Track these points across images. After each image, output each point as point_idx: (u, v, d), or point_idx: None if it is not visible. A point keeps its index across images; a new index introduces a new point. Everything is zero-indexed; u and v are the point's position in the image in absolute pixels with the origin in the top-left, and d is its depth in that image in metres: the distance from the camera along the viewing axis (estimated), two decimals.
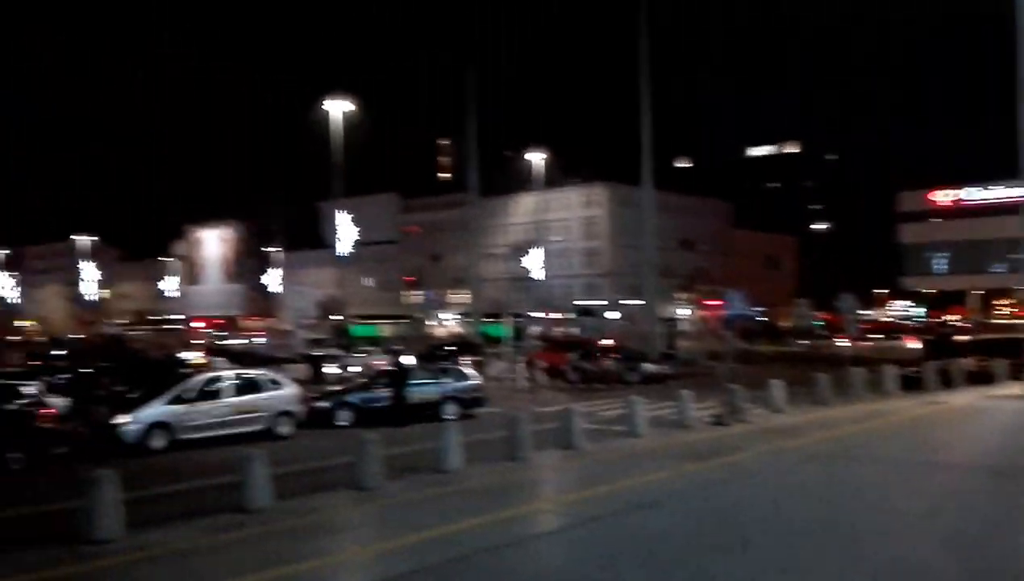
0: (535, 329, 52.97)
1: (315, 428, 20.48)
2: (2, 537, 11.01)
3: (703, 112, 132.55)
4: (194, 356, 41.40)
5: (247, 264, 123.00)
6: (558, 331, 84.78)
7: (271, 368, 27.50)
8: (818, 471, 13.67)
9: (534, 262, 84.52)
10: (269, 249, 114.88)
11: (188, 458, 16.95)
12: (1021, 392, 24.36)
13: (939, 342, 37.81)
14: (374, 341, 70.78)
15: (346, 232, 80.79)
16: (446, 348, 45.26)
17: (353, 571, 8.92)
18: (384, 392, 21.74)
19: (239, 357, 43.10)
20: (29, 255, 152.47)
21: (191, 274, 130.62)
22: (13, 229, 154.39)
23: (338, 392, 23.95)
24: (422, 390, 22.38)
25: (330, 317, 50.26)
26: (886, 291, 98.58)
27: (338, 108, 50.48)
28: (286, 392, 20.08)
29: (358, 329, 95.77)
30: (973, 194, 78.62)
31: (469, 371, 24.73)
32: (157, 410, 18.01)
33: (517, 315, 43.85)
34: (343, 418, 21.29)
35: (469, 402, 22.95)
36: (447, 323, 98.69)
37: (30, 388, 17.45)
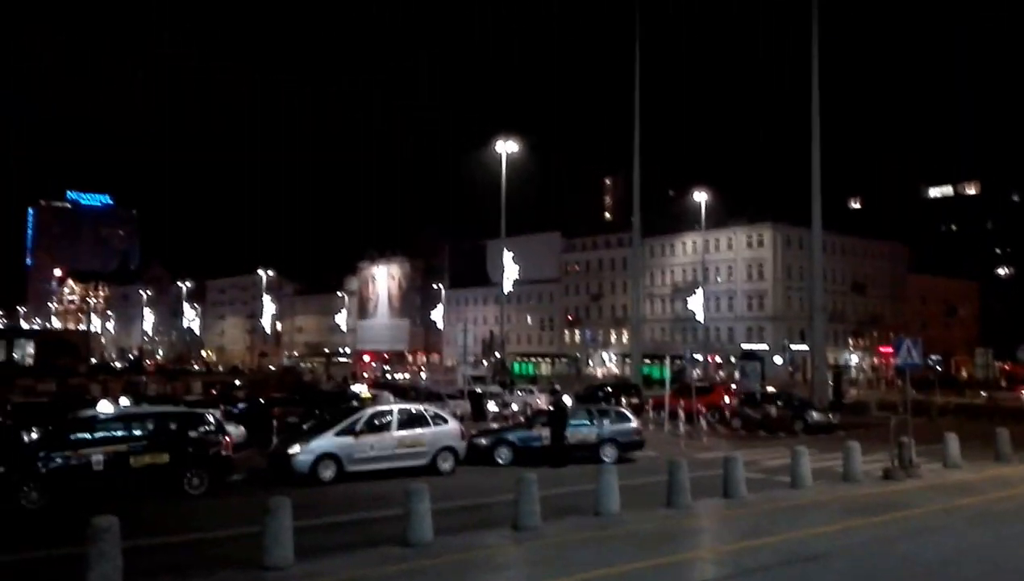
0: (696, 372, 51.82)
1: (475, 465, 20.71)
2: (183, 560, 11.73)
3: (877, 151, 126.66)
4: (362, 389, 43.05)
5: (413, 300, 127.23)
6: (718, 375, 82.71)
7: (434, 403, 28.19)
8: (991, 532, 12.83)
9: (697, 303, 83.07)
10: (435, 285, 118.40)
11: (354, 490, 17.47)
12: None
13: None
14: (534, 379, 71.50)
15: (509, 270, 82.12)
16: (605, 389, 44.99)
17: None
18: (543, 432, 21.77)
19: (404, 391, 44.53)
20: (211, 288, 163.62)
21: (362, 308, 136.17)
22: (198, 263, 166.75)
23: (497, 430, 24.21)
24: (580, 431, 22.29)
25: (492, 354, 51.08)
26: None
27: (505, 148, 51.70)
28: (449, 428, 20.42)
29: (519, 367, 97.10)
30: None
31: (628, 413, 24.41)
32: (326, 441, 18.66)
33: (678, 357, 43.00)
34: (502, 456, 21.46)
35: (627, 445, 22.65)
36: (607, 363, 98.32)
37: (210, 416, 18.54)
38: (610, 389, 45.02)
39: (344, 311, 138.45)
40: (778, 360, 78.78)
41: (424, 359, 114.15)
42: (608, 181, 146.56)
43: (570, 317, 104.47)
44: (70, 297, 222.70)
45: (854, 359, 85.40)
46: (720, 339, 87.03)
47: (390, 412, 20.22)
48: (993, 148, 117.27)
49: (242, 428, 26.31)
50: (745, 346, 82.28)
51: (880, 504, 14.74)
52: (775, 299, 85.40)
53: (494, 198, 53.28)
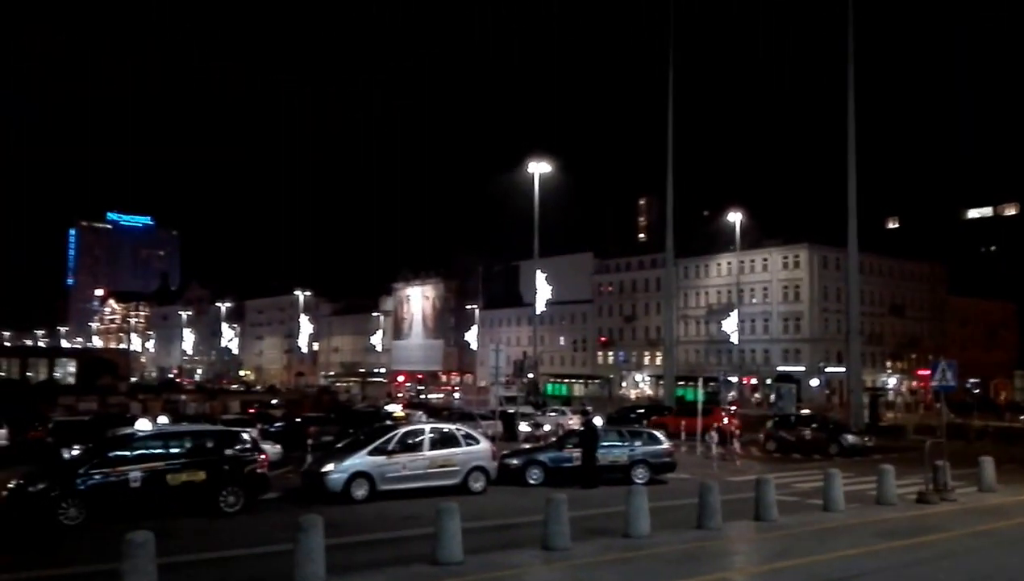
0: (731, 394, 51.45)
1: (506, 485, 20.79)
2: (216, 577, 11.97)
3: (914, 171, 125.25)
4: (395, 409, 43.35)
5: (447, 320, 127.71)
6: (753, 398, 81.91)
7: (467, 423, 28.34)
8: (1020, 556, 12.78)
9: (731, 325, 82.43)
10: (469, 306, 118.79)
11: (386, 508, 17.63)
12: None
13: None
14: (567, 401, 71.35)
15: (542, 290, 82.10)
16: (638, 411, 44.85)
17: None
18: (574, 452, 21.80)
19: (436, 411, 44.78)
20: (250, 308, 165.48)
21: (396, 329, 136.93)
22: (237, 283, 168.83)
23: (529, 450, 24.29)
24: (612, 452, 22.29)
25: (524, 375, 51.17)
26: None
27: (538, 169, 51.99)
28: (480, 448, 20.52)
29: (551, 388, 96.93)
30: None
31: (660, 435, 24.36)
32: (359, 460, 18.85)
33: (712, 379, 42.78)
34: (533, 476, 21.51)
35: (659, 467, 22.60)
36: (640, 385, 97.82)
37: (245, 435, 18.80)
38: (643, 411, 44.89)
39: (379, 331, 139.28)
40: (814, 383, 77.89)
41: (458, 379, 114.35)
42: (642, 202, 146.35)
43: (603, 338, 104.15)
44: (111, 317, 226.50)
45: (892, 382, 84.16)
46: (755, 361, 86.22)
47: (422, 432, 20.40)
48: None
49: (278, 446, 26.70)
50: (780, 368, 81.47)
51: (911, 528, 14.65)
52: (811, 321, 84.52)
53: (527, 219, 53.52)
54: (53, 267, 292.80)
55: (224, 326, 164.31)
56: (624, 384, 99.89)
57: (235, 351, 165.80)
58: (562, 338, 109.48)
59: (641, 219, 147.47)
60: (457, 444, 20.15)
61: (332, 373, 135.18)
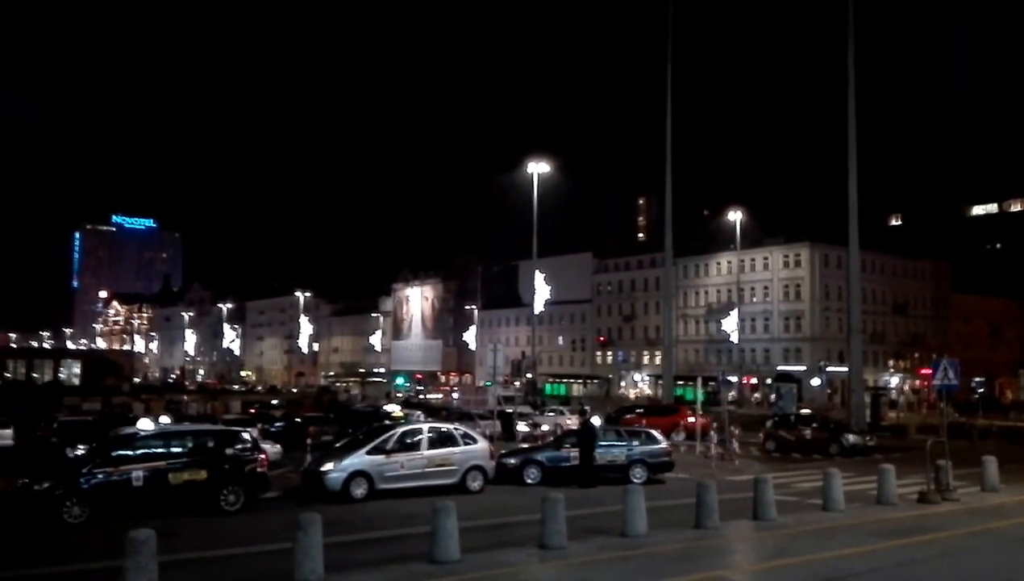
0: (731, 394, 51.47)
1: (504, 484, 20.87)
2: (217, 574, 12.07)
3: (918, 168, 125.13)
4: (394, 408, 43.42)
5: (447, 320, 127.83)
6: (753, 397, 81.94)
7: (465, 423, 28.41)
8: (1021, 555, 12.75)
9: (731, 324, 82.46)
10: (468, 306, 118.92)
11: (384, 507, 17.74)
12: None
13: None
14: (564, 400, 71.37)
15: (541, 290, 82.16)
16: (636, 411, 44.92)
17: None
18: (572, 452, 21.87)
19: (435, 411, 44.84)
20: (251, 309, 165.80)
21: (396, 329, 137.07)
22: (239, 284, 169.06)
23: (526, 450, 24.36)
24: (610, 452, 22.35)
25: (522, 375, 51.24)
26: None
27: (537, 169, 52.05)
28: (478, 447, 20.62)
29: (550, 388, 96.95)
30: None
31: (657, 435, 24.41)
32: (358, 459, 18.95)
33: (711, 378, 42.84)
34: (531, 476, 21.58)
35: (657, 466, 22.65)
36: (639, 384, 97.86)
37: (246, 434, 18.92)
38: (641, 410, 44.98)
39: (379, 332, 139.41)
40: (815, 382, 77.87)
41: (456, 379, 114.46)
42: (641, 201, 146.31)
43: (602, 338, 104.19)
44: (115, 318, 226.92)
45: (895, 381, 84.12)
46: (755, 361, 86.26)
47: (420, 431, 20.51)
48: None
49: (278, 446, 26.80)
50: (781, 368, 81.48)
51: (911, 527, 14.61)
52: (812, 320, 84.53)
53: (526, 219, 53.61)
54: (58, 270, 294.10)
55: (225, 327, 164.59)
56: (623, 384, 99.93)
57: (236, 352, 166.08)
58: (561, 338, 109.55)
59: (641, 219, 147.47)
60: (455, 443, 20.25)
61: (332, 373, 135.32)
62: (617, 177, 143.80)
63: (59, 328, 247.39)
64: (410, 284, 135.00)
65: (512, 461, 22.06)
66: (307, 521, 10.23)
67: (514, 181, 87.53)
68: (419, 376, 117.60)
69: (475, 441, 20.84)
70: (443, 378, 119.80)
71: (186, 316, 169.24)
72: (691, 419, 35.15)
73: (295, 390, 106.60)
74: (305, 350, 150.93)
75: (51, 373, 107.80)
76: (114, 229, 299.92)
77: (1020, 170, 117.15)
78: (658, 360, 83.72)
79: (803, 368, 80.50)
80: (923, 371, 76.64)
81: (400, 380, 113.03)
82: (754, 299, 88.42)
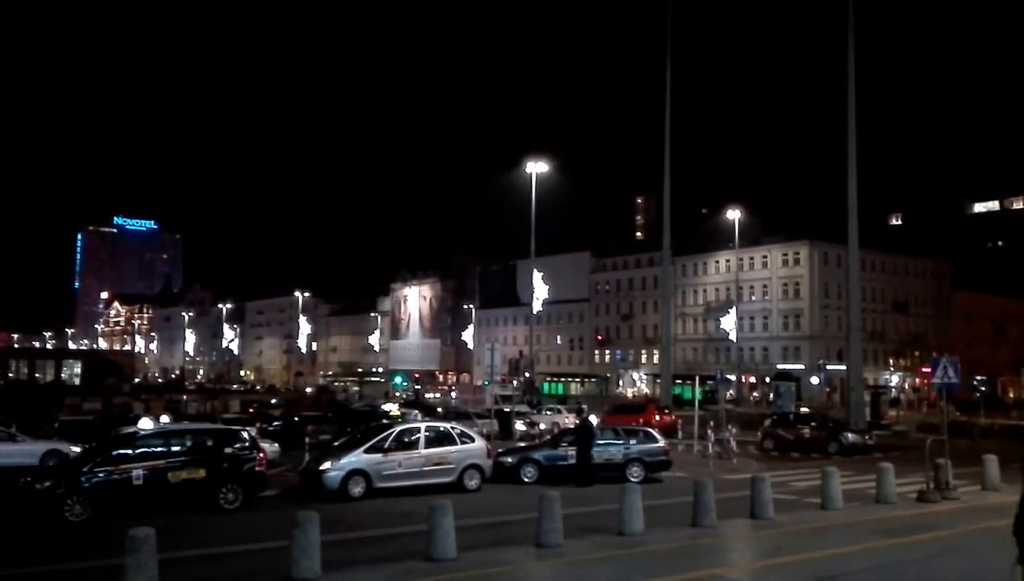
0: (729, 393, 51.50)
1: (501, 483, 20.90)
2: (216, 571, 12.11)
3: (918, 166, 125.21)
4: (392, 407, 43.50)
5: (444, 320, 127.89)
6: (752, 396, 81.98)
7: (463, 422, 28.46)
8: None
9: (730, 323, 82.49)
10: (466, 306, 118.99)
11: (382, 506, 17.78)
12: None
13: None
14: (562, 399, 71.40)
15: (539, 290, 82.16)
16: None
17: None
18: (569, 451, 21.90)
19: (433, 410, 44.91)
20: (250, 309, 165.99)
21: (394, 329, 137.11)
22: (238, 285, 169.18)
23: (524, 448, 24.39)
24: (607, 450, 22.37)
25: (520, 374, 51.28)
26: None
27: (535, 168, 52.08)
28: (476, 446, 20.66)
29: (548, 387, 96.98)
30: None
31: (655, 433, 24.45)
32: (356, 458, 19.00)
33: (709, 377, 42.89)
34: (528, 474, 21.61)
35: (654, 465, 22.66)
36: (638, 383, 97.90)
37: (244, 433, 18.99)
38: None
39: (377, 331, 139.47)
40: (814, 381, 77.93)
41: (455, 379, 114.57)
42: (640, 200, 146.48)
43: (600, 337, 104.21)
44: (116, 319, 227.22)
45: (895, 379, 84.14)
46: (754, 359, 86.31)
47: (418, 430, 20.56)
48: None
49: (276, 445, 26.86)
50: (780, 366, 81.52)
51: (910, 526, 14.58)
52: (812, 318, 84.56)
53: (524, 218, 53.58)
54: (60, 271, 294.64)
55: (225, 327, 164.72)
56: (621, 383, 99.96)
57: (236, 351, 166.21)
58: (559, 337, 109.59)
59: (639, 217, 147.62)
60: (452, 442, 20.30)
61: (331, 373, 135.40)
62: (615, 176, 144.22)
63: (61, 328, 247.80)
64: (408, 284, 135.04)
65: (509, 460, 22.09)
66: (305, 519, 10.28)
67: (512, 180, 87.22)
68: (417, 375, 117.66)
69: (472, 440, 20.88)
70: (441, 377, 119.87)
71: (186, 316, 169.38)
72: (657, 417, 35.44)
73: (294, 389, 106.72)
74: (304, 350, 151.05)
75: (53, 373, 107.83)
76: (115, 230, 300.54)
77: (1021, 167, 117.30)
78: (656, 359, 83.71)
79: (802, 367, 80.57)
80: (924, 370, 76.77)
81: (398, 379, 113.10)
82: (753, 298, 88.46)
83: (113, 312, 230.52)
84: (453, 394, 57.94)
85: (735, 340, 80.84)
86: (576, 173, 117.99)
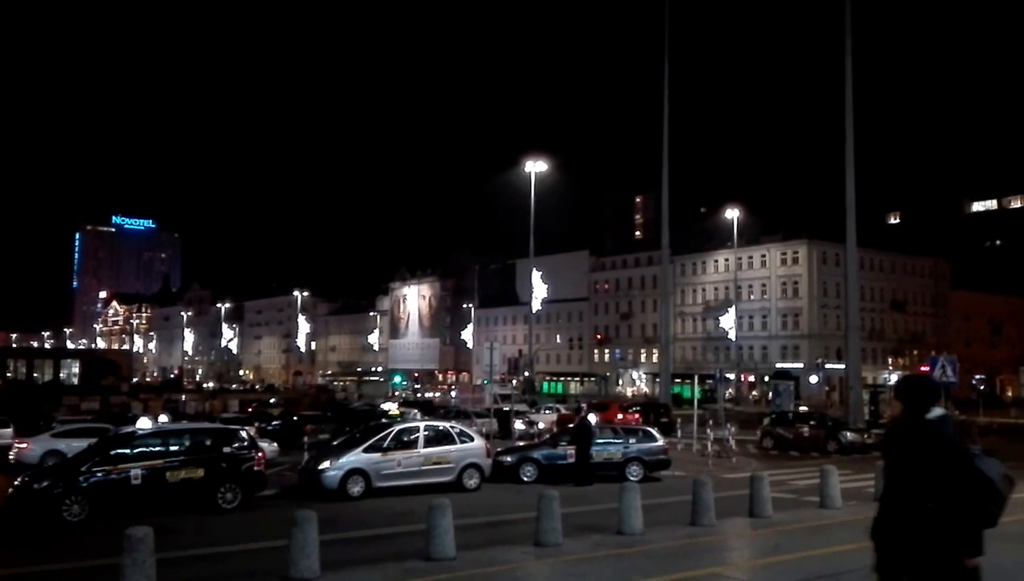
0: (728, 392, 51.53)
1: (500, 482, 20.89)
2: (213, 571, 12.10)
3: (915, 165, 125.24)
4: (391, 407, 43.53)
5: (444, 319, 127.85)
6: (751, 395, 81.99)
7: (462, 421, 28.45)
8: (1012, 552, 12.65)
9: (729, 322, 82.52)
10: (465, 305, 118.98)
11: (381, 505, 17.76)
12: None
13: None
14: (561, 398, 71.41)
15: (538, 289, 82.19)
16: (633, 408, 45.00)
17: None
18: (568, 450, 21.90)
19: (432, 409, 44.94)
20: (249, 309, 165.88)
21: (393, 328, 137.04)
22: (237, 284, 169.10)
23: (523, 448, 24.40)
24: (606, 449, 22.38)
25: (519, 374, 51.30)
26: None
27: (534, 168, 52.07)
28: (475, 445, 20.67)
29: (547, 386, 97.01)
30: None
31: (654, 432, 24.45)
32: (355, 457, 18.99)
33: (709, 376, 42.93)
34: (527, 473, 21.61)
35: (654, 464, 22.67)
36: (637, 382, 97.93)
37: (243, 433, 18.96)
38: (638, 408, 45.08)
39: (376, 331, 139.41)
40: (813, 379, 77.94)
41: (454, 378, 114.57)
42: (638, 199, 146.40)
43: (599, 336, 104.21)
44: (114, 318, 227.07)
45: (894, 378, 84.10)
46: (753, 358, 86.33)
47: (417, 429, 20.54)
48: None
49: (275, 444, 26.86)
50: (779, 365, 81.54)
51: None
52: (810, 317, 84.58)
53: (523, 218, 53.65)
54: (59, 270, 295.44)
55: (224, 326, 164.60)
56: (621, 382, 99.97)
57: (234, 351, 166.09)
58: (558, 336, 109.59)
59: (638, 217, 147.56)
60: (452, 441, 20.29)
61: (329, 372, 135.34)
62: (614, 175, 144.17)
63: (59, 328, 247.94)
64: (407, 283, 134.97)
65: (509, 459, 22.08)
66: (303, 518, 10.25)
67: (511, 180, 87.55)
68: (416, 375, 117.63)
69: (472, 439, 20.88)
70: (440, 376, 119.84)
71: (185, 316, 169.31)
72: (620, 416, 36.19)
73: (291, 386, 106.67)
74: (303, 349, 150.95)
75: (51, 373, 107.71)
76: (114, 230, 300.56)
77: (1019, 166, 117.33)
78: (656, 358, 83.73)
79: (801, 365, 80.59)
80: (922, 368, 76.66)
81: (397, 379, 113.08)
82: (752, 297, 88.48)
83: (111, 311, 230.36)
84: (453, 393, 58.04)
85: (734, 339, 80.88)
86: (575, 172, 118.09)
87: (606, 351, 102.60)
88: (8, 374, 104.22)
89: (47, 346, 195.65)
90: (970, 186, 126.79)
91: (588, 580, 10.36)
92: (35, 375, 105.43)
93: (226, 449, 17.58)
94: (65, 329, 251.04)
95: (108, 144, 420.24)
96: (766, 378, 78.48)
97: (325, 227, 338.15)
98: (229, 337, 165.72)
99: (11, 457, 25.22)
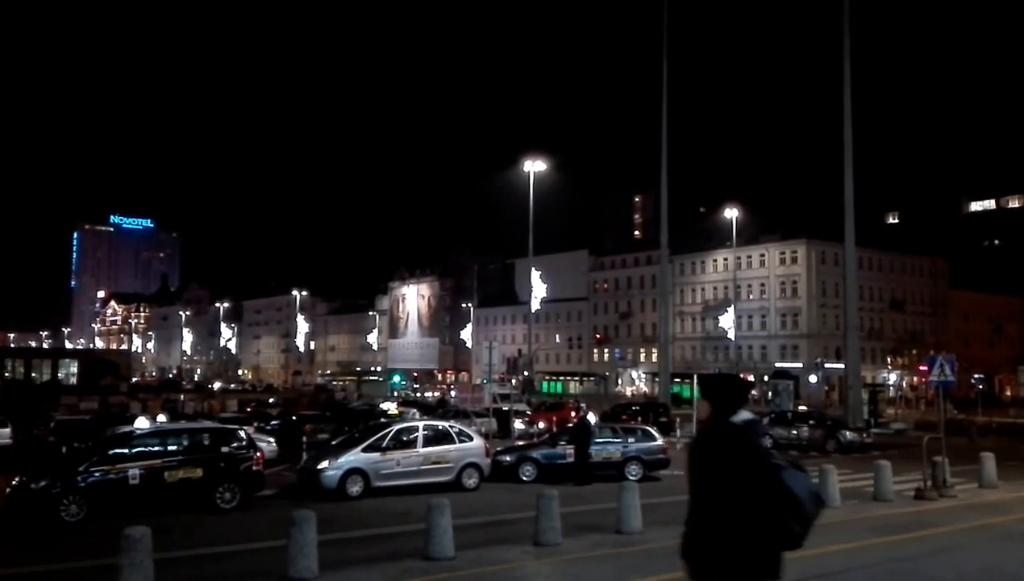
0: None
1: (500, 481, 20.87)
2: (211, 571, 12.08)
3: (913, 165, 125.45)
4: (390, 406, 43.51)
5: (443, 319, 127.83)
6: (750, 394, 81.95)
7: (462, 421, 28.41)
8: (1016, 551, 12.64)
9: (728, 321, 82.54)
10: (464, 304, 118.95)
11: (380, 505, 17.74)
12: None
13: None
14: (560, 398, 71.37)
15: (537, 288, 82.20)
16: (632, 408, 44.99)
17: None
18: (567, 449, 21.88)
19: (431, 408, 44.92)
20: (248, 308, 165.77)
21: (392, 327, 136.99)
22: (235, 284, 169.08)
23: (522, 447, 24.37)
24: (606, 449, 22.36)
25: (518, 373, 51.32)
26: None
27: (533, 167, 52.06)
28: (474, 445, 20.64)
29: (547, 385, 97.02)
30: None
31: (654, 432, 24.42)
32: (354, 457, 18.96)
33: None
34: (526, 473, 21.58)
35: (653, 463, 22.62)
36: (636, 382, 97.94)
37: (241, 433, 18.92)
38: (638, 408, 45.04)
39: (375, 330, 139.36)
40: (812, 379, 77.92)
41: (453, 377, 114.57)
42: (637, 199, 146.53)
43: (598, 335, 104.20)
44: (112, 318, 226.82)
45: (892, 378, 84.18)
46: (752, 358, 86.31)
47: (416, 429, 20.51)
48: None
49: (274, 444, 26.82)
50: (778, 365, 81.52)
51: (907, 523, 14.56)
52: (809, 317, 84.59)
53: (523, 217, 53.62)
54: (57, 269, 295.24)
55: (223, 326, 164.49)
56: (620, 381, 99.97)
57: (233, 351, 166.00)
58: (558, 335, 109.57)
59: (637, 216, 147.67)
60: (451, 441, 20.27)
61: (329, 372, 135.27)
62: (613, 175, 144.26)
63: (58, 327, 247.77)
64: (406, 282, 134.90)
65: (508, 458, 22.06)
66: (302, 518, 10.24)
67: (510, 179, 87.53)
68: (416, 374, 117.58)
69: (471, 439, 20.86)
70: (440, 376, 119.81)
71: (183, 315, 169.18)
72: (574, 414, 36.64)
73: (292, 388, 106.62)
74: (302, 349, 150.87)
75: (50, 372, 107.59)
76: (112, 229, 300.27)
77: (1018, 166, 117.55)
78: (655, 357, 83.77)
79: (800, 365, 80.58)
80: (921, 368, 76.77)
81: (397, 378, 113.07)
82: (751, 296, 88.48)
83: (110, 311, 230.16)
84: (452, 393, 58.06)
85: (733, 338, 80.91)
86: (574, 172, 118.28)
87: (605, 351, 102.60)
88: (6, 374, 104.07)
89: (45, 346, 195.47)
90: (969, 186, 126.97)
91: (587, 579, 10.35)
92: (33, 375, 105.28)
93: (224, 449, 17.54)
94: (63, 329, 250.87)
95: (106, 143, 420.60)
96: (765, 378, 78.36)
97: (324, 227, 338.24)
98: (228, 337, 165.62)
99: None
